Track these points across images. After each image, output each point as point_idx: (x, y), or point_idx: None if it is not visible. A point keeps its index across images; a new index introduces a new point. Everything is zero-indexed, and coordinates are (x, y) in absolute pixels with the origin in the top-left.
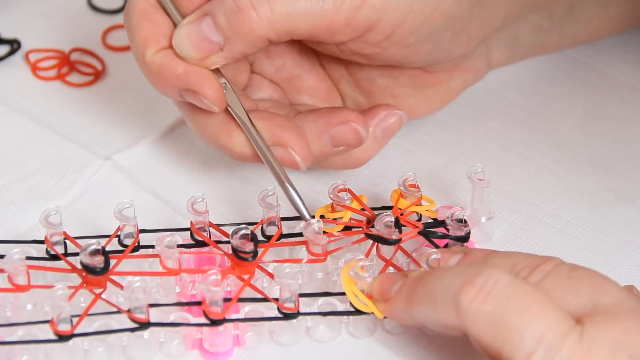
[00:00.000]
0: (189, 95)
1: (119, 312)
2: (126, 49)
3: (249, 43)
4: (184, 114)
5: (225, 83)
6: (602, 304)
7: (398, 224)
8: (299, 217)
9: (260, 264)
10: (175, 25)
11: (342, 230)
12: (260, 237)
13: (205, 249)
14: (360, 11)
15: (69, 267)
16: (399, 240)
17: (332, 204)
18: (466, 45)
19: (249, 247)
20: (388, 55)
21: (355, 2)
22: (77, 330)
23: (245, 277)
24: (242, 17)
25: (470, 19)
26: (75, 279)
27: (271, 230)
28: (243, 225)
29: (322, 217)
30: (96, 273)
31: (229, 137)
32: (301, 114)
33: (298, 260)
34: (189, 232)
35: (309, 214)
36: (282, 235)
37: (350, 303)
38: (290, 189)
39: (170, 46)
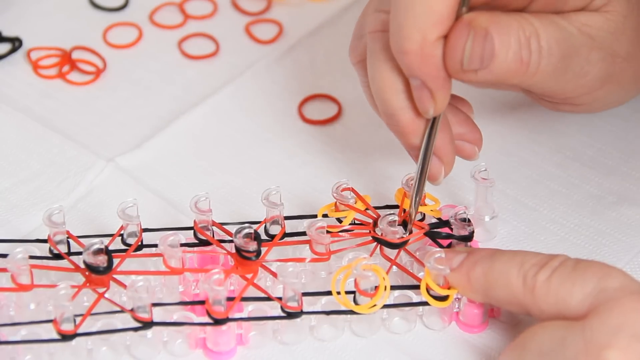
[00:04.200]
0: (419, 85)
1: (122, 311)
2: (127, 46)
3: None
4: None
5: None
6: (608, 289)
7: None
8: (302, 217)
9: (263, 263)
10: None
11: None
12: (263, 236)
13: (208, 248)
14: None
15: (72, 267)
16: (405, 243)
17: (336, 202)
18: None
19: (252, 246)
20: None
21: None
22: (81, 330)
23: (249, 276)
24: None
25: None
26: (79, 278)
27: (274, 229)
28: (246, 224)
29: (325, 216)
30: (99, 272)
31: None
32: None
33: (301, 260)
34: (192, 231)
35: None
36: (286, 234)
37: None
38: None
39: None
